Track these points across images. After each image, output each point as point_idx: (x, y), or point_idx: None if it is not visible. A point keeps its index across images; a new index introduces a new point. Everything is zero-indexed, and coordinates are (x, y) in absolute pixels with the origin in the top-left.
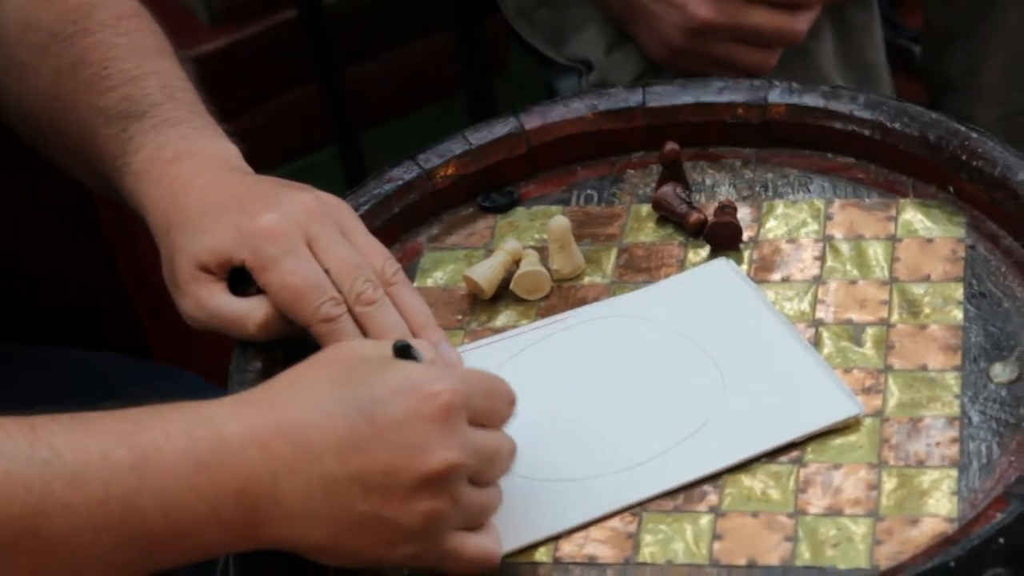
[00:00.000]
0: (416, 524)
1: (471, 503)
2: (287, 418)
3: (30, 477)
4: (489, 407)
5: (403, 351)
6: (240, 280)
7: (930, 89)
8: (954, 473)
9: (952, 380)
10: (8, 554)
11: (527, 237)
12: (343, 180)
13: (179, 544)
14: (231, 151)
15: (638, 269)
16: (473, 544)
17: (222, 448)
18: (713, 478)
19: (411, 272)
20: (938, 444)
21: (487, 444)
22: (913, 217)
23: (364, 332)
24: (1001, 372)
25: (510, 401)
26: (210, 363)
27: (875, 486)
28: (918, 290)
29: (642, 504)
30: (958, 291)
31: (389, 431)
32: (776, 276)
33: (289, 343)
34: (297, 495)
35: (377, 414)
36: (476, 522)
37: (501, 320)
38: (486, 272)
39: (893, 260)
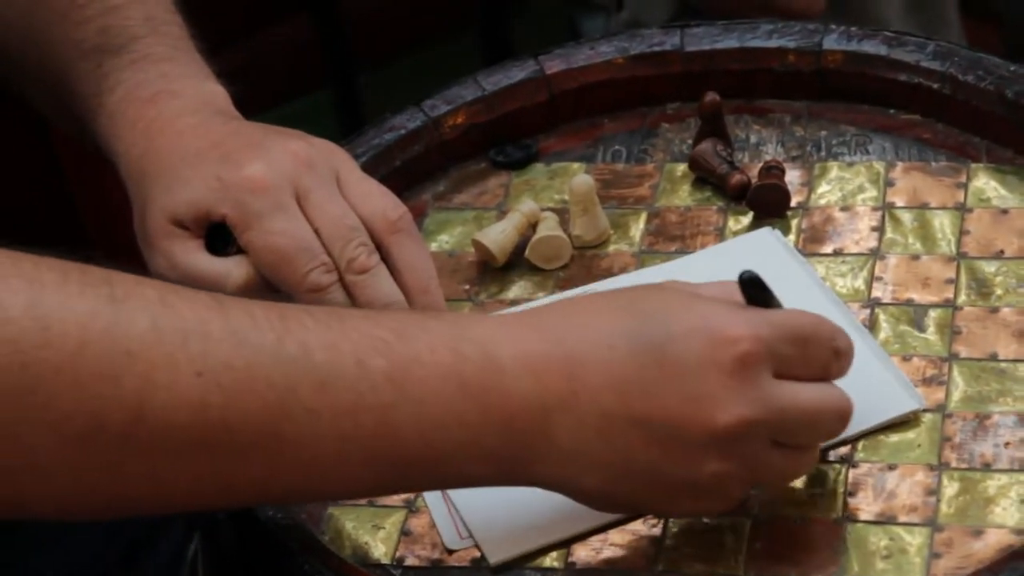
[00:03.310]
0: (702, 483)
1: (771, 466)
2: (566, 347)
3: (275, 374)
4: (803, 355)
5: (751, 284)
6: (219, 238)
7: (1009, 37)
8: None
9: None
10: (246, 453)
11: (545, 198)
12: (338, 128)
13: (435, 470)
14: (218, 93)
15: (670, 237)
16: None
17: (492, 371)
18: None
19: None
20: (1007, 445)
21: (796, 401)
22: (986, 184)
23: (353, 302)
24: None
25: (833, 348)
26: None
27: (934, 491)
28: (989, 268)
29: None
30: None
31: (679, 377)
32: (828, 248)
33: None
34: (570, 434)
35: (668, 355)
36: (778, 484)
37: (514, 292)
38: (498, 236)
39: (962, 233)
